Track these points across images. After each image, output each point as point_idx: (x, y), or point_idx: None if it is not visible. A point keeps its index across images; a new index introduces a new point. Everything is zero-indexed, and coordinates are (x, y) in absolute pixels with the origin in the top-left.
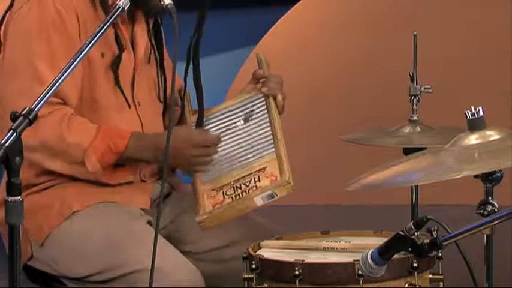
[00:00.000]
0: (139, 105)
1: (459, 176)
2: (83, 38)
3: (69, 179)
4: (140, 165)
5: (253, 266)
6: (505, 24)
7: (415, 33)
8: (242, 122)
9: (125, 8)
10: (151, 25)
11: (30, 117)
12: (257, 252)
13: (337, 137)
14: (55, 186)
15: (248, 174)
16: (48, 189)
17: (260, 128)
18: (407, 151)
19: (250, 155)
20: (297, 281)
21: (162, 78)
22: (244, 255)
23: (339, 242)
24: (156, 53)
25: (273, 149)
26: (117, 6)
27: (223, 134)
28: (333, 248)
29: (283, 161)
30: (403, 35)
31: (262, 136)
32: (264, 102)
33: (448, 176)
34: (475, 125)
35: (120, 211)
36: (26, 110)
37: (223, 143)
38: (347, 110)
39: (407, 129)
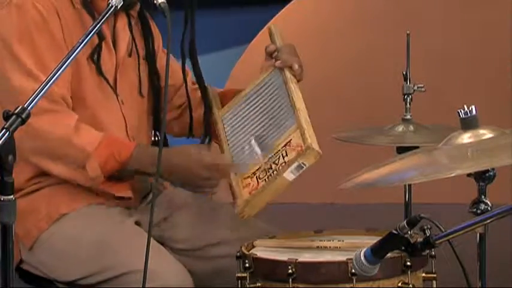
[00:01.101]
0: (122, 103)
1: (452, 175)
2: (67, 36)
3: (56, 182)
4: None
5: (247, 265)
6: (500, 23)
7: (408, 32)
8: (263, 102)
9: (118, 7)
10: (133, 20)
11: (23, 116)
12: (250, 251)
13: (331, 136)
14: (42, 190)
15: (276, 152)
16: (35, 193)
17: (280, 103)
18: (401, 150)
19: (275, 133)
20: (290, 280)
21: (153, 73)
22: (238, 254)
23: (332, 241)
24: (137, 47)
25: (294, 120)
26: (110, 5)
27: (248, 120)
28: (326, 247)
29: (304, 129)
30: (396, 34)
31: (282, 111)
32: (280, 77)
33: (441, 175)
34: (468, 123)
35: (108, 213)
36: (18, 108)
37: (249, 129)
38: (340, 109)
39: (400, 128)
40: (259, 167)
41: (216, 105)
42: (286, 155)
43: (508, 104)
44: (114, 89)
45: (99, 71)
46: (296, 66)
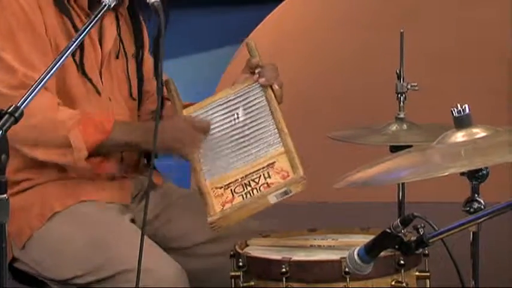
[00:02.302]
0: (110, 100)
1: (445, 174)
2: (49, 31)
3: (49, 179)
4: (124, 159)
5: (240, 263)
6: (497, 22)
7: (401, 30)
8: (242, 113)
9: (111, 6)
10: (121, 18)
11: (16, 115)
12: (244, 250)
13: (324, 135)
14: (35, 188)
15: (256, 170)
16: (27, 191)
17: (262, 120)
18: (394, 149)
19: (255, 150)
20: (284, 279)
21: (138, 73)
22: (232, 253)
23: (326, 239)
24: (125, 48)
25: (280, 143)
26: (103, 4)
27: (223, 126)
28: (320, 246)
29: (294, 156)
30: (391, 32)
31: (265, 129)
32: (262, 93)
33: (435, 174)
34: (461, 122)
35: (102, 210)
36: (11, 107)
37: (224, 136)
38: (334, 108)
39: (393, 127)
40: (235, 180)
41: (181, 105)
42: (269, 176)
43: (503, 103)
44: (99, 85)
45: (82, 71)
46: (277, 87)
